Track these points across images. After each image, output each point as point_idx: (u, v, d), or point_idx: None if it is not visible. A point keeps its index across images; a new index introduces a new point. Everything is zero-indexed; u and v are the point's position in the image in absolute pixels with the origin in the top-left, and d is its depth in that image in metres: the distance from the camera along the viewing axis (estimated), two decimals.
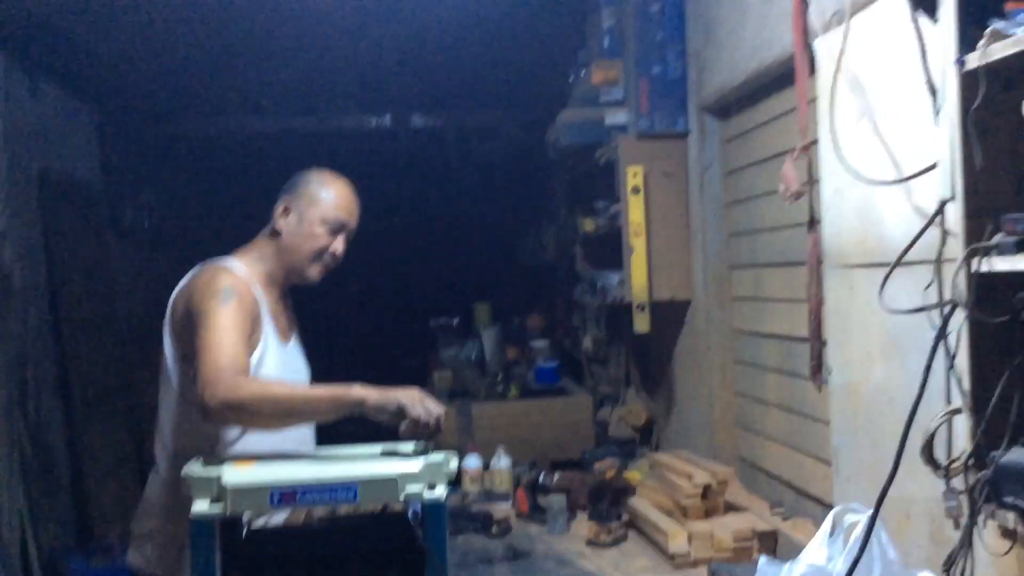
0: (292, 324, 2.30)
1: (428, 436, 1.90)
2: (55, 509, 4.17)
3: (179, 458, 2.05)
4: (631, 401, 4.09)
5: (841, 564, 1.60)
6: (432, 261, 7.56)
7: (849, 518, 1.69)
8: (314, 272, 2.22)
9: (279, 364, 2.13)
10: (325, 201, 2.19)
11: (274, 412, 1.92)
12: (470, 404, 4.18)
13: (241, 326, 2.01)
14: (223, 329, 1.97)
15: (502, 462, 3.46)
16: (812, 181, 2.40)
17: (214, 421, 1.93)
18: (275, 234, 2.20)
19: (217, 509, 1.68)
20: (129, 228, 5.48)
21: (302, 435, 2.13)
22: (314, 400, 1.94)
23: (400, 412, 1.89)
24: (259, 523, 2.07)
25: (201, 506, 1.68)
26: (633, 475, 3.31)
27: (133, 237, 5.56)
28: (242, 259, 2.19)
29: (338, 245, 2.21)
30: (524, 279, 6.77)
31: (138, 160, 5.74)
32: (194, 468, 1.74)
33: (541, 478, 3.37)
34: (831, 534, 1.69)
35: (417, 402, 1.90)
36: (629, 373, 4.20)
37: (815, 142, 2.32)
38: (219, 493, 1.68)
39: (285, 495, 1.70)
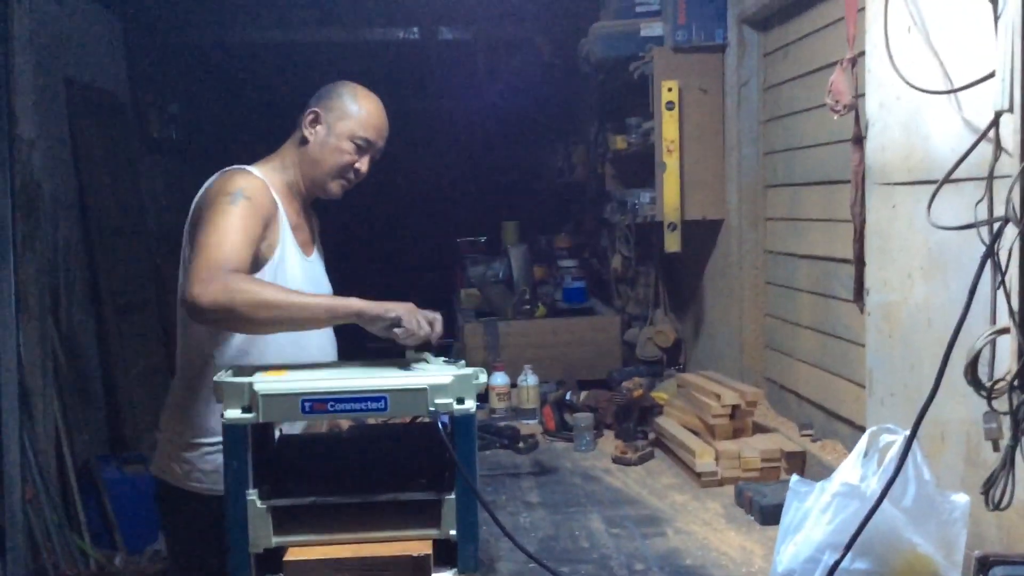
0: (314, 238, 2.25)
1: (425, 346, 1.91)
2: (89, 418, 4.25)
3: (193, 367, 2.08)
4: (659, 322, 4.06)
5: (875, 483, 1.58)
6: (460, 179, 7.49)
7: (884, 438, 1.66)
8: (335, 187, 2.16)
9: (301, 276, 2.09)
10: (356, 117, 2.12)
11: (267, 317, 1.85)
12: (497, 322, 4.17)
13: (248, 227, 1.94)
14: (226, 228, 1.90)
15: (529, 380, 3.46)
16: (857, 95, 2.31)
17: (202, 322, 1.87)
18: (302, 143, 2.14)
19: (249, 416, 1.68)
20: (157, 139, 5.46)
21: (322, 349, 2.11)
22: (310, 307, 1.89)
23: (396, 323, 1.87)
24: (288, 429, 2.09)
25: (233, 413, 1.68)
26: (660, 395, 3.30)
27: (161, 148, 5.54)
28: (263, 167, 2.13)
29: (363, 164, 2.15)
30: (552, 198, 6.70)
31: (165, 71, 5.68)
32: (225, 376, 1.74)
33: (568, 396, 3.38)
34: (865, 454, 1.67)
35: (412, 314, 1.88)
36: (658, 293, 4.17)
37: (862, 54, 2.23)
38: (250, 400, 1.68)
39: (316, 404, 1.70)
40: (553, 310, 4.41)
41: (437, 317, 1.93)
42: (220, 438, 1.98)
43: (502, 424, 3.20)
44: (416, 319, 1.88)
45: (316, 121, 2.12)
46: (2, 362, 3.30)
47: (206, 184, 2.07)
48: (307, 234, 2.20)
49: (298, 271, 2.08)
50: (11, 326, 3.32)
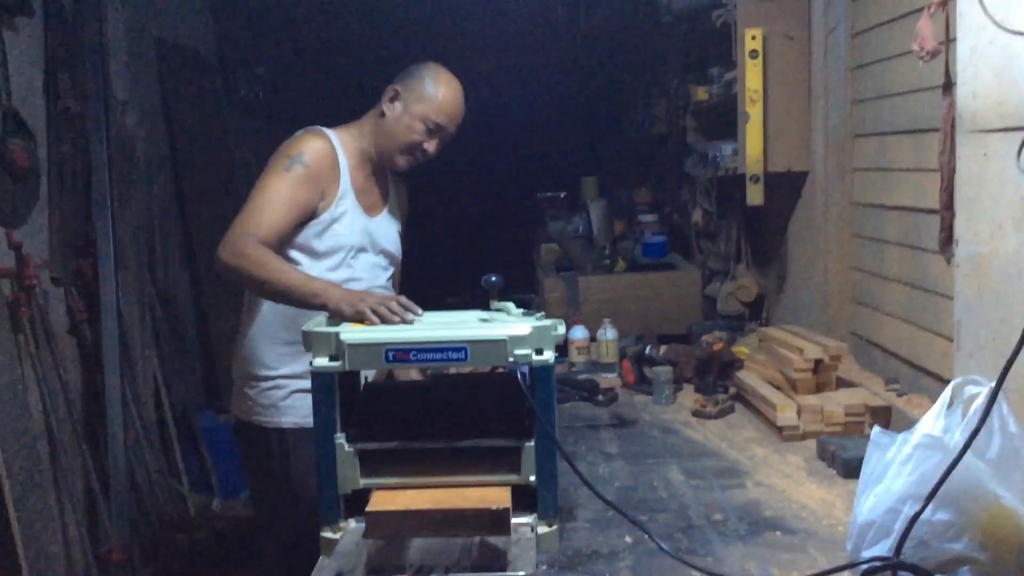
0: (387, 202, 2.40)
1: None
2: (185, 369, 4.43)
3: (247, 311, 2.30)
4: (741, 276, 4.02)
5: (959, 435, 1.56)
6: (540, 134, 7.46)
7: (969, 390, 1.63)
8: (402, 162, 2.31)
9: (359, 232, 2.27)
10: (431, 101, 2.25)
11: (261, 290, 2.12)
12: (576, 277, 4.18)
13: (296, 194, 2.13)
14: (271, 194, 2.11)
15: (608, 334, 3.47)
16: (948, 40, 2.23)
17: (220, 275, 2.11)
18: (380, 116, 2.29)
19: (335, 364, 1.75)
20: (243, 99, 5.58)
21: None
22: (290, 288, 2.04)
23: (359, 319, 1.92)
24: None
25: (321, 361, 1.75)
26: (741, 350, 3.28)
27: (248, 108, 5.66)
28: (342, 131, 2.30)
29: (431, 145, 2.29)
30: (632, 152, 6.64)
31: (251, 32, 5.78)
32: (314, 326, 1.80)
33: (647, 350, 3.38)
34: (949, 406, 1.64)
35: (375, 312, 1.89)
36: (739, 247, 4.12)
37: None
38: (337, 349, 1.75)
39: (399, 353, 1.76)
40: (633, 265, 4.40)
41: (406, 303, 1.93)
42: (273, 373, 2.26)
43: (581, 377, 3.23)
44: (382, 310, 1.89)
45: (395, 98, 2.27)
46: (103, 315, 3.46)
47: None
48: (376, 197, 2.36)
49: (356, 228, 2.25)
50: (111, 281, 3.47)
